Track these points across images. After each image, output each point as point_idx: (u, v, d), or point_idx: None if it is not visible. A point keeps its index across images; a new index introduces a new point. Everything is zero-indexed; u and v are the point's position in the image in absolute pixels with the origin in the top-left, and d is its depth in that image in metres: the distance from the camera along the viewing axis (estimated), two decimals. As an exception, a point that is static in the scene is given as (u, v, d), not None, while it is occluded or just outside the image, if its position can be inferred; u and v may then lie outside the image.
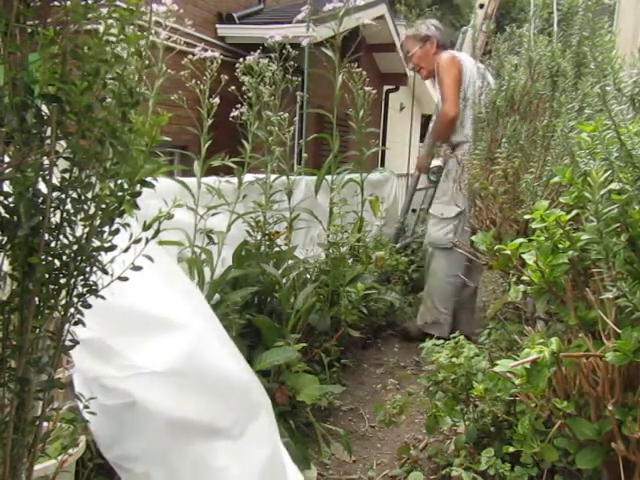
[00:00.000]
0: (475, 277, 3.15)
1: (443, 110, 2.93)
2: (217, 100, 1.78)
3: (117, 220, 0.85)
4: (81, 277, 0.85)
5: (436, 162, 3.29)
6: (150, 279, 1.21)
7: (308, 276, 2.45)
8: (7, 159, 0.77)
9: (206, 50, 1.76)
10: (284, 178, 2.34)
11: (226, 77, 1.77)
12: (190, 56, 1.73)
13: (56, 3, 0.80)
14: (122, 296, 1.09)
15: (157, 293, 1.28)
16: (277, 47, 2.16)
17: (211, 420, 1.24)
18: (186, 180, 1.83)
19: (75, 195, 0.81)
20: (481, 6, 3.67)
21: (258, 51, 2.08)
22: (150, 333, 1.24)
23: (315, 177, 2.67)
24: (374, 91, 2.79)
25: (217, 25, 7.04)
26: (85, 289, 0.86)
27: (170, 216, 0.92)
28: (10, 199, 0.77)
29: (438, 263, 2.95)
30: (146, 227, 0.88)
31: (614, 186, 1.14)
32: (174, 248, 1.79)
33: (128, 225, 0.86)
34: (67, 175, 0.81)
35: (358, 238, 2.78)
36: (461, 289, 3.02)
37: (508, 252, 1.47)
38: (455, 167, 2.83)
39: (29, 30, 0.77)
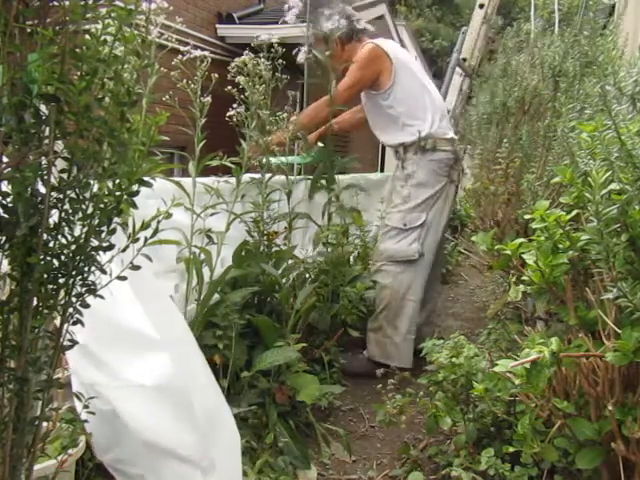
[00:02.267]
0: (436, 286, 2.88)
1: (331, 99, 2.49)
2: (209, 99, 1.77)
3: (115, 219, 0.85)
4: (80, 277, 0.85)
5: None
6: (138, 299, 1.23)
7: (308, 276, 2.45)
8: (5, 159, 0.77)
9: (196, 49, 1.75)
10: (283, 178, 2.34)
11: (217, 76, 1.76)
12: (180, 56, 1.72)
13: (55, 3, 0.80)
14: (115, 311, 1.11)
15: (144, 313, 1.28)
16: (265, 46, 2.14)
17: (183, 450, 1.25)
18: (182, 180, 1.83)
19: (73, 195, 0.81)
20: (481, 6, 3.65)
21: (246, 51, 2.06)
22: (138, 350, 1.25)
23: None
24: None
25: (217, 25, 7.04)
26: (84, 289, 0.86)
27: (169, 215, 0.92)
28: (8, 199, 0.77)
29: (397, 279, 2.50)
30: (144, 227, 0.88)
31: (614, 186, 1.14)
32: (167, 260, 1.80)
33: (126, 224, 0.86)
34: (65, 175, 0.81)
35: (345, 243, 2.64)
36: (423, 303, 2.65)
37: (508, 252, 1.47)
38: (419, 172, 2.51)
39: (28, 30, 0.77)
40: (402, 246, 2.51)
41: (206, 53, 1.76)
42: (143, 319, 1.26)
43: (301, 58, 2.18)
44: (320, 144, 2.68)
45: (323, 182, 2.63)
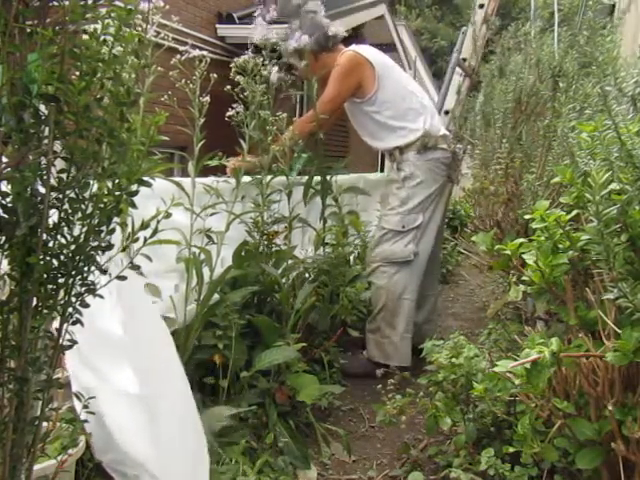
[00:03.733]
0: (434, 285, 2.86)
1: (315, 113, 2.44)
2: (207, 99, 1.77)
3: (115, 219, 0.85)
4: (79, 276, 0.85)
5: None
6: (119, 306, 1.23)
7: (307, 276, 2.45)
8: (5, 159, 0.77)
9: (195, 48, 1.74)
10: (283, 178, 2.33)
11: (215, 75, 1.75)
12: (178, 56, 1.72)
13: (55, 3, 0.80)
14: (101, 319, 1.14)
15: (123, 320, 1.28)
16: (268, 46, 2.14)
17: (150, 466, 1.24)
18: (182, 180, 1.83)
19: (73, 195, 0.81)
20: (481, 6, 3.64)
21: (248, 51, 2.06)
22: (119, 358, 1.25)
23: (317, 177, 2.64)
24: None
25: (217, 25, 7.04)
26: (83, 289, 0.86)
27: (168, 215, 0.92)
28: (8, 199, 0.77)
29: (392, 280, 2.50)
30: (144, 226, 0.88)
31: (614, 186, 1.14)
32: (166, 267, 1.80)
33: (125, 224, 0.86)
34: (65, 175, 0.81)
35: (345, 243, 2.64)
36: (422, 302, 2.69)
37: (508, 252, 1.47)
38: (416, 173, 2.49)
39: (28, 30, 0.77)
40: (398, 247, 2.50)
41: (205, 53, 1.75)
42: (120, 327, 1.26)
43: (274, 78, 2.15)
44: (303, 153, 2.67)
45: (317, 187, 2.60)
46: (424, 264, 2.57)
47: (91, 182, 0.83)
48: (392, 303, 2.51)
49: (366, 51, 2.57)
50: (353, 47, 2.59)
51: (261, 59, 2.06)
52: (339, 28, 2.64)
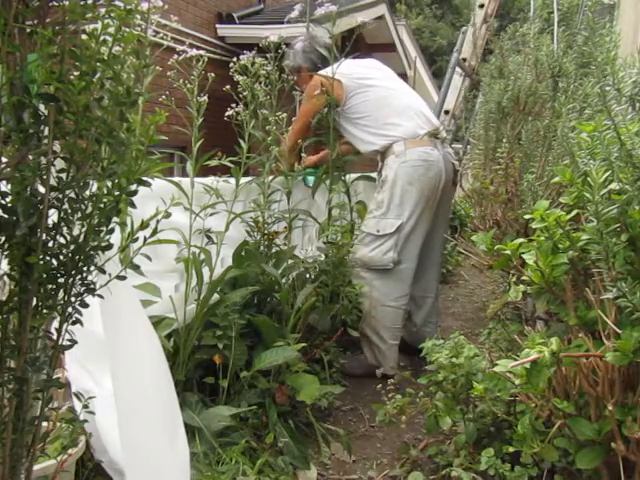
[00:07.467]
0: (433, 286, 2.80)
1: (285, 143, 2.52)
2: (205, 98, 1.76)
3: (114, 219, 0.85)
4: (79, 276, 0.85)
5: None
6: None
7: (308, 276, 2.45)
8: (5, 159, 0.77)
9: (192, 48, 1.74)
10: (283, 177, 2.34)
11: (213, 75, 1.75)
12: (175, 56, 1.72)
13: (55, 3, 0.80)
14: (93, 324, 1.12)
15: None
16: (272, 47, 2.16)
17: (129, 476, 1.24)
18: (181, 180, 1.82)
19: (72, 194, 0.81)
20: (481, 6, 3.65)
21: (253, 51, 2.08)
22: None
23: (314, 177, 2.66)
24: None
25: (217, 25, 7.05)
26: (83, 288, 0.86)
27: (168, 215, 0.92)
28: (8, 199, 0.77)
29: (373, 287, 2.48)
30: (143, 226, 0.88)
31: (614, 186, 1.14)
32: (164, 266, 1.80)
33: (125, 224, 0.86)
34: (64, 175, 0.81)
35: (350, 242, 2.64)
36: (420, 304, 2.73)
37: (508, 252, 1.47)
38: (393, 176, 2.47)
39: (28, 30, 0.77)
40: (377, 255, 2.47)
41: (202, 52, 1.75)
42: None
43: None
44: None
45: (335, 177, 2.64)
46: (410, 271, 2.52)
47: (91, 182, 0.83)
48: (375, 311, 2.49)
49: (337, 67, 2.58)
50: (320, 74, 2.62)
51: (264, 59, 2.07)
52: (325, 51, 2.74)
